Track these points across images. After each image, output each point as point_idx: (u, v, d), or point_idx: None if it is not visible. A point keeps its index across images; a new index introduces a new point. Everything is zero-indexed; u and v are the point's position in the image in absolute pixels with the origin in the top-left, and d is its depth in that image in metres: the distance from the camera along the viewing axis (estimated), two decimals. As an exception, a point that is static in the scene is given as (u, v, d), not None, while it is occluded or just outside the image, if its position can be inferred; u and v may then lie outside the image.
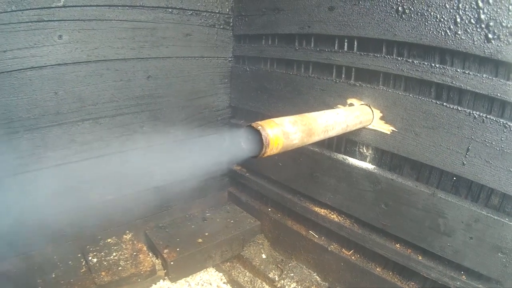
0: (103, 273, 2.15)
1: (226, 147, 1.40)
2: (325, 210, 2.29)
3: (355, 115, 1.71)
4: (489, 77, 1.48)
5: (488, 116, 1.50)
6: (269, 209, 2.71)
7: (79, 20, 1.94)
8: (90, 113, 2.14)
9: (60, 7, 1.86)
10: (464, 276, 1.76)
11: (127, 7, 2.06)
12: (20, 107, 1.91)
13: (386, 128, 1.82)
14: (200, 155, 1.44)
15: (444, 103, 1.61)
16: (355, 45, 1.90)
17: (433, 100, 1.64)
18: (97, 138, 2.21)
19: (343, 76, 1.99)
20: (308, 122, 1.40)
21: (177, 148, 2.36)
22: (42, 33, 1.86)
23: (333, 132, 1.55)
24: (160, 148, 2.43)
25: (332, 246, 2.28)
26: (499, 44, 1.41)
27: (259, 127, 1.21)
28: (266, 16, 2.29)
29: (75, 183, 2.06)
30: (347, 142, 2.07)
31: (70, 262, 2.24)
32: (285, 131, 1.28)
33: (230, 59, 2.67)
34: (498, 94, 1.46)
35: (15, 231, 1.84)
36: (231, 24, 2.57)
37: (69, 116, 2.07)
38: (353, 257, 2.18)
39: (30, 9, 1.80)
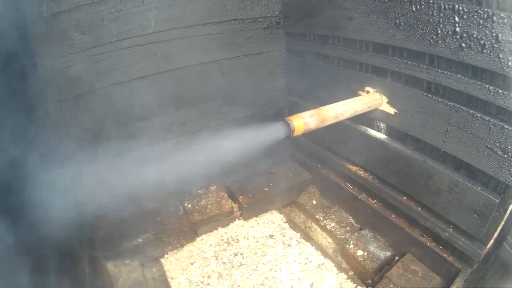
0: (195, 214, 2.97)
1: (273, 131, 2.04)
2: (355, 168, 2.83)
3: (364, 102, 2.25)
4: (462, 77, 1.81)
5: (460, 107, 1.88)
6: (318, 165, 3.27)
7: (166, 40, 2.57)
8: (183, 103, 2.87)
9: (151, 33, 2.50)
10: (451, 229, 2.17)
11: (200, 25, 2.66)
12: (132, 106, 2.59)
13: (391, 110, 2.30)
14: (258, 132, 2.04)
15: (429, 95, 2.03)
16: (370, 47, 2.34)
17: (422, 92, 2.07)
18: (190, 120, 2.95)
19: (363, 69, 2.46)
20: (321, 113, 2.03)
21: (244, 123, 2.98)
22: (141, 54, 2.52)
23: (343, 117, 2.15)
24: (234, 122, 3.13)
25: (361, 195, 2.81)
26: (470, 52, 1.71)
27: (289, 120, 1.92)
28: (306, 19, 2.78)
29: (175, 153, 2.78)
30: (368, 118, 2.55)
31: (171, 209, 2.99)
32: (305, 122, 1.96)
33: (283, 51, 3.19)
34: (469, 91, 1.79)
35: (135, 188, 2.32)
36: (282, 23, 3.06)
37: (167, 108, 2.79)
38: (375, 205, 2.70)
39: (129, 38, 2.43)
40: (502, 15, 1.54)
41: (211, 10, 2.68)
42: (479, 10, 1.63)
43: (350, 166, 2.86)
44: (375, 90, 2.38)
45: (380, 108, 2.36)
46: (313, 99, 2.96)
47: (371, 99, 2.30)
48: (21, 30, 2.07)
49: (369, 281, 2.50)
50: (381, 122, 2.48)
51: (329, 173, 3.14)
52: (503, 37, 1.57)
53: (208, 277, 2.72)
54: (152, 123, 2.77)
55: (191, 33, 2.67)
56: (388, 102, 2.31)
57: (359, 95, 2.42)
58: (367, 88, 2.43)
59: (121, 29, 2.40)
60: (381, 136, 2.49)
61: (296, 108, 3.17)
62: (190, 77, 2.81)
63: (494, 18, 1.58)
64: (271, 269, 2.76)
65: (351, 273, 2.64)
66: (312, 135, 3.18)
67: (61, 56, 2.27)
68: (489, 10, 1.60)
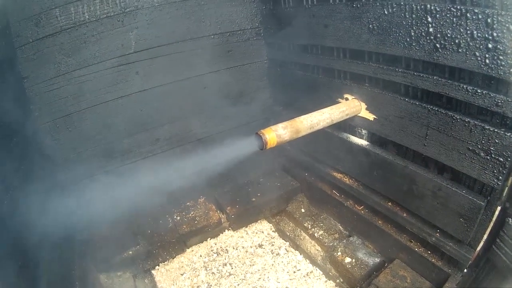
0: (184, 226, 2.80)
1: (247, 145, 1.93)
2: (340, 175, 2.63)
3: (341, 110, 2.06)
4: (439, 79, 1.65)
5: (439, 110, 1.71)
6: (306, 174, 3.06)
7: (147, 59, 2.46)
8: (167, 119, 2.71)
9: (132, 53, 2.39)
10: (438, 234, 1.99)
11: (180, 42, 2.53)
12: (116, 124, 2.51)
13: (370, 116, 2.12)
14: (236, 144, 1.95)
15: (407, 99, 1.85)
16: (347, 54, 2.17)
17: (400, 97, 1.89)
18: (173, 135, 2.79)
19: (341, 77, 2.28)
20: (295, 125, 1.84)
21: (227, 136, 2.81)
22: (124, 73, 2.42)
23: (319, 127, 1.95)
24: (218, 136, 2.96)
25: (348, 202, 2.61)
26: (445, 52, 1.56)
27: (261, 134, 1.74)
28: (284, 30, 2.62)
29: (161, 167, 2.64)
30: (349, 125, 2.38)
31: (160, 221, 2.84)
32: (278, 134, 1.77)
33: (265, 61, 3.02)
34: (447, 92, 1.63)
35: (125, 202, 2.29)
36: (262, 34, 2.90)
37: (152, 124, 2.65)
38: (362, 212, 2.50)
39: (111, 59, 2.35)
40: (476, 11, 1.40)
41: (189, 27, 2.54)
42: (452, 8, 1.50)
43: (336, 174, 2.66)
44: (353, 97, 2.19)
45: (360, 114, 2.17)
46: (296, 108, 2.74)
47: (349, 106, 2.11)
48: (8, 56, 2.04)
49: (358, 288, 2.31)
50: (362, 129, 2.30)
51: (316, 181, 2.94)
52: (479, 34, 1.43)
53: (198, 287, 2.56)
54: (137, 140, 2.65)
55: (171, 50, 2.54)
56: (367, 109, 2.12)
57: (338, 102, 2.24)
58: (346, 95, 2.24)
59: (103, 50, 2.32)
60: (363, 142, 2.30)
61: (281, 118, 2.97)
62: (172, 94, 2.65)
63: (468, 15, 1.44)
64: (260, 278, 2.58)
65: (339, 280, 2.44)
66: (298, 144, 3.04)
67: (47, 79, 2.22)
68: (462, 7, 1.46)
